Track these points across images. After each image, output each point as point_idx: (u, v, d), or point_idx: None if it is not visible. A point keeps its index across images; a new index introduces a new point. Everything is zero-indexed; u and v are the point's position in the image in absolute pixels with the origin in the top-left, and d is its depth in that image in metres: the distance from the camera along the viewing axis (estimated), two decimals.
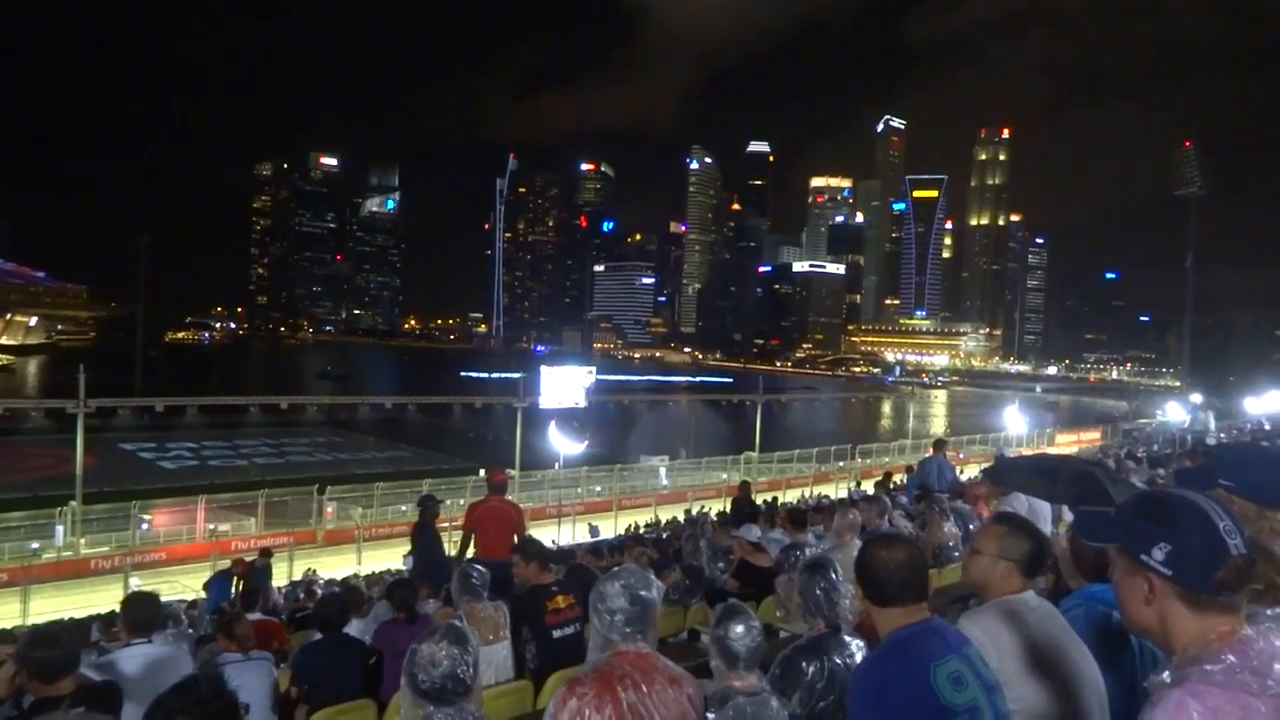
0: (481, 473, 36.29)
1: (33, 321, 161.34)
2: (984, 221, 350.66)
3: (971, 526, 6.56)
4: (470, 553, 8.88)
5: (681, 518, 30.12)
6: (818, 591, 3.39)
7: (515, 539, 8.98)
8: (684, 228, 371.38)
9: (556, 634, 4.99)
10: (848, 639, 3.29)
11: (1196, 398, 61.87)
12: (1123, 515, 1.76)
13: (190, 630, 10.11)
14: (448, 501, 17.05)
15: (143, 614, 4.12)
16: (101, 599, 21.83)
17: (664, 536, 19.13)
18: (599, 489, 38.93)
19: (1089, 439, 52.52)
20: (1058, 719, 2.47)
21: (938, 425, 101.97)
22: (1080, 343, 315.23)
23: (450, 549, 11.42)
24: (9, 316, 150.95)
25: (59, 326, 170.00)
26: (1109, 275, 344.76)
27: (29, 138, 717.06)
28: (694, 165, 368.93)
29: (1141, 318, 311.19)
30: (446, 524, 13.28)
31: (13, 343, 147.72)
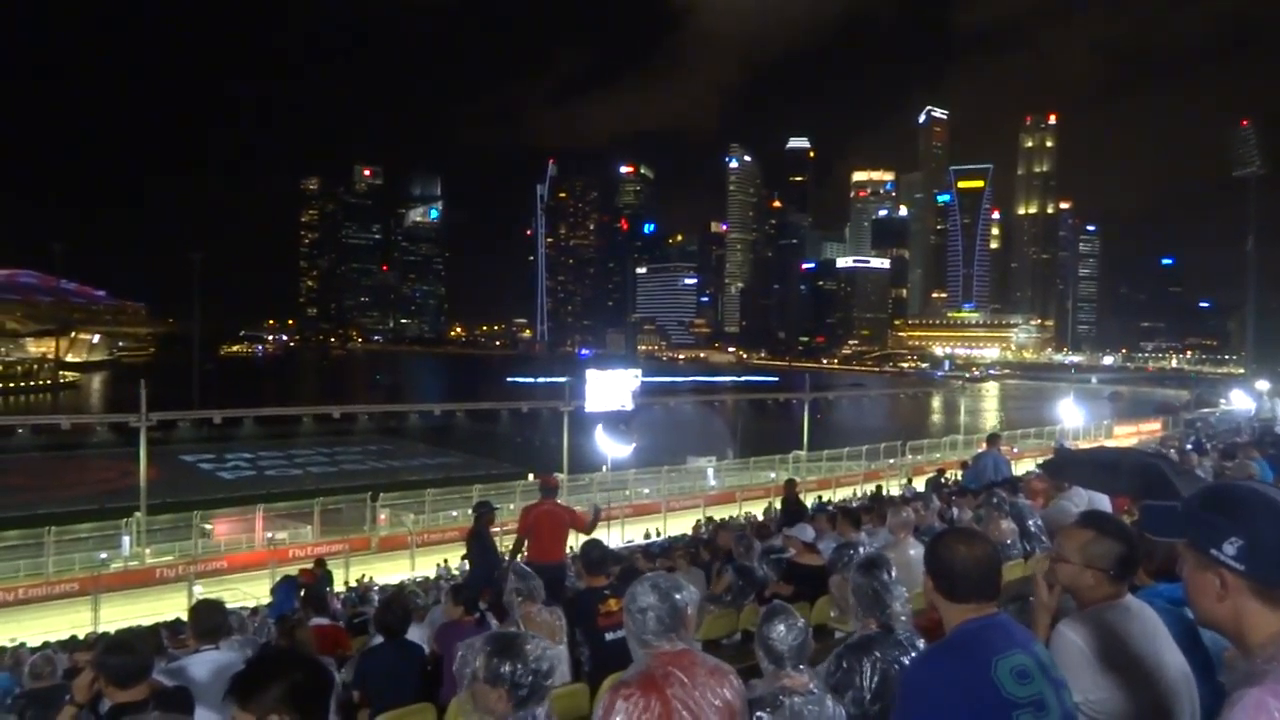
0: (530, 477, 36.69)
1: (95, 339, 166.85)
2: (1032, 210, 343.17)
3: (1031, 523, 6.41)
4: (521, 557, 8.97)
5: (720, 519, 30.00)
6: (870, 590, 3.37)
7: (572, 541, 9.18)
8: (725, 227, 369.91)
9: (609, 636, 4.97)
10: (902, 638, 3.25)
11: (1263, 384, 59.80)
12: (1190, 509, 1.72)
13: (255, 637, 10.35)
14: (499, 507, 17.22)
15: (210, 621, 4.24)
16: (167, 607, 22.47)
17: (714, 536, 19.07)
18: (647, 491, 38.95)
19: (1149, 430, 51.10)
20: None
21: (990, 419, 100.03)
22: (1137, 331, 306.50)
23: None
24: (73, 335, 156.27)
25: (120, 343, 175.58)
26: (1165, 260, 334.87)
27: (87, 163, 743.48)
28: (733, 164, 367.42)
29: (1201, 303, 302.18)
30: (498, 529, 13.40)
31: (77, 360, 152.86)
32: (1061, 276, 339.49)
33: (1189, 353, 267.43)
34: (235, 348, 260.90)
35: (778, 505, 22.95)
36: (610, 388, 46.45)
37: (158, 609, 22.44)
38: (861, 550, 5.11)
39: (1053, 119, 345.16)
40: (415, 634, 6.61)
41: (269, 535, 30.65)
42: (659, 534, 31.41)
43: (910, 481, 32.06)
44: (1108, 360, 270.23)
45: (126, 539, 28.93)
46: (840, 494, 36.07)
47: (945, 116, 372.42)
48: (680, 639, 2.73)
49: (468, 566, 12.12)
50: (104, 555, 28.28)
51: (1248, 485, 1.68)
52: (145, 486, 31.76)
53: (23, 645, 16.32)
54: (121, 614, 22.57)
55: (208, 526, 30.09)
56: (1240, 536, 1.57)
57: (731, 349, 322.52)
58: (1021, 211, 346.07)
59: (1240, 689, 1.44)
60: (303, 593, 13.63)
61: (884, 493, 21.82)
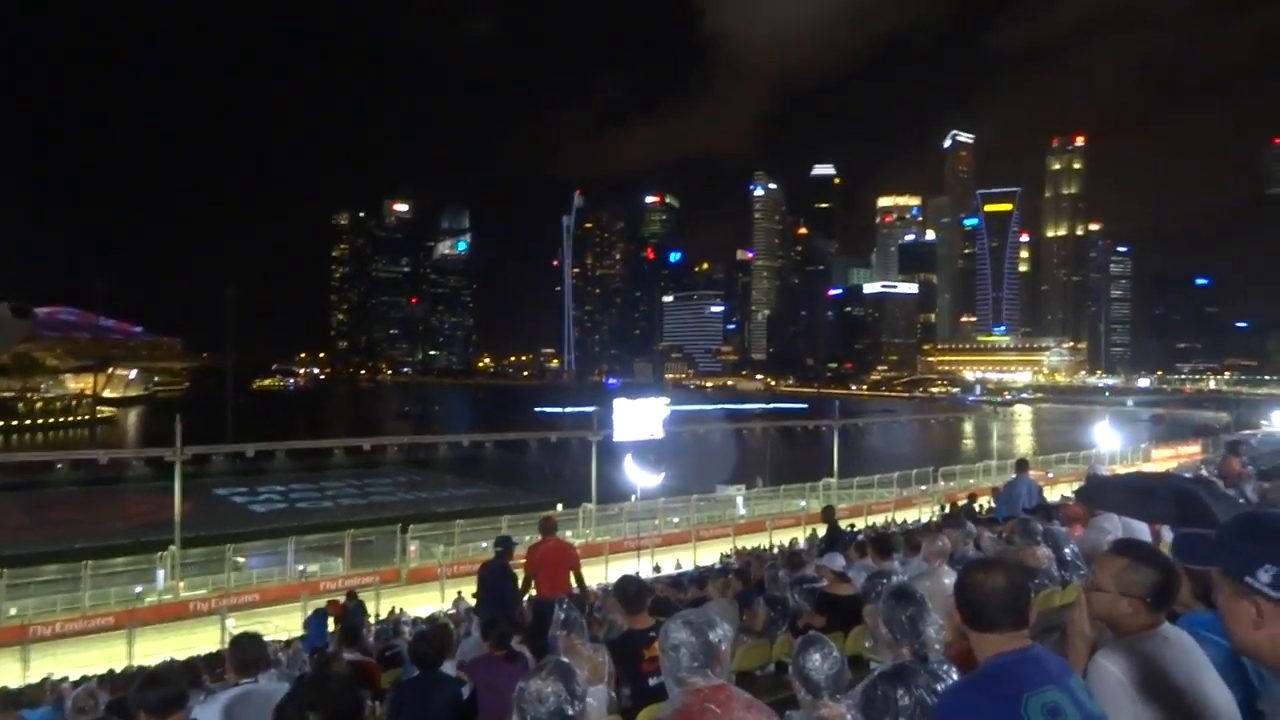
0: (559, 507, 36.68)
1: (132, 375, 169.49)
2: (1061, 232, 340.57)
3: (1067, 550, 6.31)
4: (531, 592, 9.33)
5: (745, 547, 29.69)
6: (903, 619, 3.35)
7: (573, 576, 9.46)
8: (750, 254, 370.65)
9: (652, 682, 4.55)
10: (935, 667, 3.22)
11: None
12: (1224, 536, 1.72)
13: (289, 670, 10.42)
14: (526, 538, 17.23)
15: (250, 654, 4.28)
16: (200, 640, 22.64)
17: (747, 566, 18.88)
18: (676, 520, 38.72)
19: (1188, 453, 50.00)
20: None
21: (1023, 444, 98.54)
22: (1172, 352, 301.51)
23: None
24: (111, 371, 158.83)
25: (155, 378, 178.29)
26: (1200, 281, 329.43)
27: (124, 200, 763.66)
28: (758, 191, 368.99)
29: (1238, 323, 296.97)
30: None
31: (114, 395, 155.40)
32: (1093, 298, 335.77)
33: (1227, 373, 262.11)
34: (267, 381, 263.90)
35: (820, 532, 22.54)
36: (638, 417, 46.38)
37: (191, 643, 22.61)
38: (894, 579, 5.07)
39: (1080, 140, 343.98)
40: (445, 666, 6.62)
41: (300, 568, 30.83)
42: (679, 565, 31.08)
43: (944, 508, 31.62)
44: (1143, 382, 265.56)
45: (161, 573, 29.17)
46: (872, 521, 35.63)
47: (971, 140, 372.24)
48: (715, 674, 2.73)
49: (475, 603, 11.91)
50: (139, 589, 28.50)
51: None
52: (179, 520, 32.11)
53: (64, 680, 16.51)
54: (156, 648, 22.74)
55: (240, 560, 30.33)
56: (1275, 564, 1.57)
57: (759, 376, 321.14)
58: (1051, 234, 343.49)
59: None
60: (334, 624, 13.65)
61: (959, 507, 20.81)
